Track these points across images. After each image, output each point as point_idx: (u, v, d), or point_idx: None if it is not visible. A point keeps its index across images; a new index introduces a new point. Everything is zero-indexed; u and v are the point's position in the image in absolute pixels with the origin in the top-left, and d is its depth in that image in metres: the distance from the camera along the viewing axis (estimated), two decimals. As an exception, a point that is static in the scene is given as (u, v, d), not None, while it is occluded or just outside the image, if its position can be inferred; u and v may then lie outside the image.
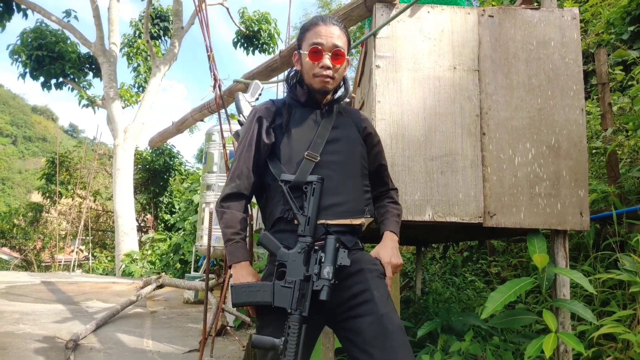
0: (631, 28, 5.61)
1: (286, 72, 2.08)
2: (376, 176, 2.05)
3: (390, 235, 1.93)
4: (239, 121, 2.43)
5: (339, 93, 1.94)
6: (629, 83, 4.37)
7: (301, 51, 1.87)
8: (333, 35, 1.82)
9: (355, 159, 1.90)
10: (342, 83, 1.94)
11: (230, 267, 1.79)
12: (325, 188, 1.74)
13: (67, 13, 13.64)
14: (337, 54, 1.82)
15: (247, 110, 2.44)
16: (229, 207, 1.83)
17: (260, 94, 2.67)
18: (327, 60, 1.80)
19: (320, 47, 1.80)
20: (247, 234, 1.86)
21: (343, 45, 1.84)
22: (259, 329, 1.75)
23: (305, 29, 1.88)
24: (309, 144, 1.82)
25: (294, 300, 1.58)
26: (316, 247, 1.67)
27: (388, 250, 1.87)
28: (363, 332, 1.62)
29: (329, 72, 1.81)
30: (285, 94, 2.04)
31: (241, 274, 1.75)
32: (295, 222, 1.72)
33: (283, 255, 1.68)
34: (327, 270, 1.59)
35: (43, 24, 13.26)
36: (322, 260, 1.62)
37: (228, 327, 4.82)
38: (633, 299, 2.67)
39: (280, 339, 1.53)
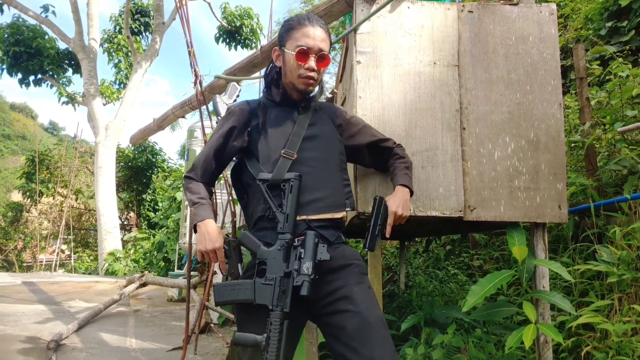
0: (609, 24, 5.68)
1: (265, 69, 2.09)
2: (375, 149, 2.14)
3: (401, 188, 2.02)
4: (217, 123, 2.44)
5: (314, 91, 1.98)
6: (607, 78, 4.44)
7: (285, 49, 1.89)
8: (319, 37, 1.86)
9: (333, 155, 1.95)
10: None
11: (195, 230, 1.80)
12: (304, 184, 1.76)
13: (45, 8, 13.37)
14: (322, 57, 1.87)
15: (224, 112, 2.46)
16: (193, 180, 1.91)
17: (238, 96, 2.67)
18: (312, 62, 1.85)
19: (307, 49, 1.83)
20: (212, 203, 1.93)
21: (327, 48, 1.89)
22: (240, 327, 1.77)
23: (290, 27, 1.90)
24: (285, 142, 1.85)
25: (275, 297, 1.61)
26: (296, 244, 1.69)
27: (397, 200, 1.96)
28: (345, 327, 1.65)
29: (314, 74, 1.86)
30: (261, 94, 2.07)
31: (206, 230, 1.75)
32: (276, 219, 1.74)
33: (263, 253, 1.70)
34: (307, 266, 1.62)
35: (20, 19, 12.96)
36: (302, 256, 1.65)
37: (212, 325, 4.81)
38: (611, 289, 2.73)
39: (262, 335, 1.55)
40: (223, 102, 2.50)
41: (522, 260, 2.51)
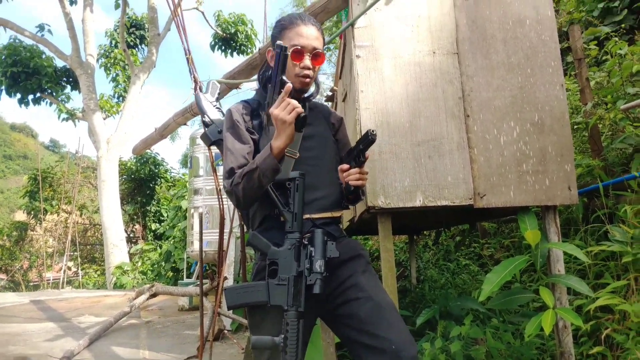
0: (601, 5, 5.67)
1: (259, 70, 2.08)
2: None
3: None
4: (203, 122, 2.38)
5: (310, 91, 1.97)
6: (604, 58, 4.42)
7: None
8: (313, 36, 1.85)
9: (329, 154, 1.96)
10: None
11: (275, 154, 1.65)
12: (306, 183, 1.75)
13: (41, 27, 13.44)
14: (316, 55, 1.86)
15: (210, 110, 2.40)
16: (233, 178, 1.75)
17: (219, 93, 2.62)
18: (307, 61, 1.84)
19: (301, 48, 1.82)
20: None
21: (320, 46, 1.88)
22: (254, 330, 1.76)
23: (283, 27, 1.89)
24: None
25: (290, 297, 1.60)
26: (305, 242, 1.69)
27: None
28: (357, 313, 1.67)
29: (309, 73, 1.85)
30: (256, 93, 2.05)
31: (275, 139, 1.65)
32: (282, 218, 1.73)
33: (274, 253, 1.68)
34: (319, 264, 1.61)
35: (16, 40, 13.05)
36: (312, 254, 1.64)
37: (226, 331, 4.80)
38: (626, 269, 2.70)
39: (279, 336, 1.54)
40: (207, 100, 2.45)
41: (535, 244, 2.48)
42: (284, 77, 1.68)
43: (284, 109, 1.61)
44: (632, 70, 3.60)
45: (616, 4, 5.53)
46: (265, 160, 1.65)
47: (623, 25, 5.16)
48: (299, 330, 1.55)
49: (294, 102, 1.62)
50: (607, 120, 3.73)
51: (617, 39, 3.92)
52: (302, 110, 1.61)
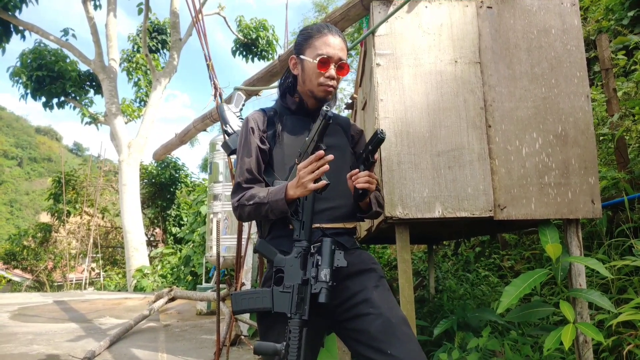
0: (631, 13, 5.56)
1: (281, 78, 2.08)
2: None
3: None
4: (225, 131, 2.41)
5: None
6: (632, 68, 4.33)
7: (304, 57, 1.88)
8: (339, 46, 1.86)
9: (345, 166, 1.92)
10: None
11: (287, 199, 1.69)
12: (319, 193, 1.73)
13: (65, 32, 13.70)
14: (341, 67, 1.87)
15: (232, 120, 2.44)
16: (247, 189, 1.81)
17: (243, 105, 2.66)
18: (333, 71, 1.84)
19: (328, 58, 1.83)
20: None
21: (345, 57, 1.89)
22: (262, 336, 1.76)
23: (309, 36, 1.90)
24: (299, 150, 1.82)
25: (293, 305, 1.59)
26: (312, 251, 1.67)
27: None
28: (368, 329, 1.64)
29: (334, 83, 1.86)
30: (275, 102, 2.06)
31: (291, 186, 1.68)
32: (290, 227, 1.74)
33: (280, 261, 1.69)
34: (325, 273, 1.59)
35: (41, 44, 13.33)
36: (319, 263, 1.62)
37: (242, 337, 4.80)
38: (651, 285, 2.63)
39: (281, 343, 1.54)
40: (230, 111, 2.49)
41: (556, 258, 2.44)
42: (322, 144, 1.67)
43: (310, 173, 1.61)
44: (662, 81, 3.53)
45: (647, 12, 5.42)
46: (277, 202, 1.69)
47: (654, 35, 5.04)
48: (302, 339, 1.54)
49: (323, 169, 1.61)
50: (635, 132, 3.65)
51: (647, 48, 3.83)
52: (326, 182, 1.62)
